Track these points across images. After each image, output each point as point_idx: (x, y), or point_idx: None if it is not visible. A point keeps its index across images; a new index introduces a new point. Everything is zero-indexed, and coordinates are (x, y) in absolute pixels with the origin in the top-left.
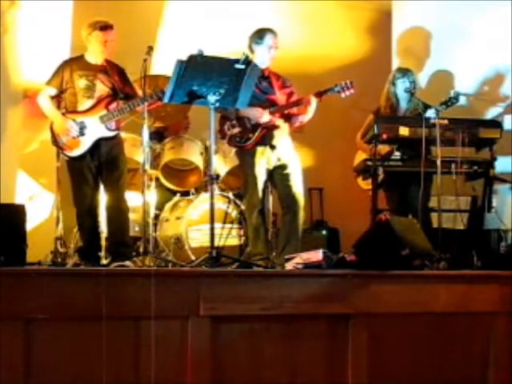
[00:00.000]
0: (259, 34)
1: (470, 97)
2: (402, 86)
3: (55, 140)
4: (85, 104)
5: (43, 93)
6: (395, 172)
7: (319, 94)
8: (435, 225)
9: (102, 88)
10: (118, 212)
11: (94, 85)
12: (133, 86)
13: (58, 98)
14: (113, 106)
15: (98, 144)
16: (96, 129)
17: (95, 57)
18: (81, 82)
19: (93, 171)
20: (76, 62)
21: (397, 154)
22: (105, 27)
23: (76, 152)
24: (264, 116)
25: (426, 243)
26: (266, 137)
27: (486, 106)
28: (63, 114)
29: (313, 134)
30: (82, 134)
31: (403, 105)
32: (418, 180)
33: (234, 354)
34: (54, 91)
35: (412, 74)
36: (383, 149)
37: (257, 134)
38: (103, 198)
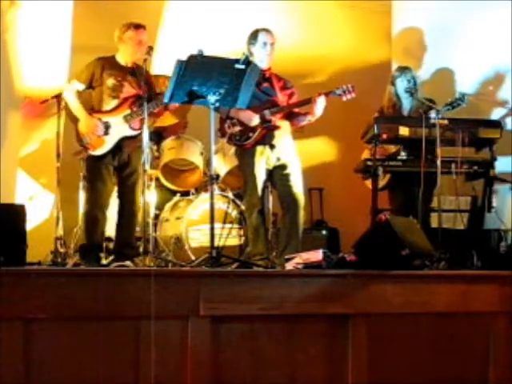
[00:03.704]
0: (253, 35)
1: (470, 97)
2: (401, 84)
3: (79, 138)
4: (110, 103)
5: (70, 87)
6: (399, 172)
7: (325, 94)
8: (433, 225)
9: (128, 90)
10: (130, 214)
11: (121, 86)
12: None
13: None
14: (136, 106)
15: (119, 145)
16: (120, 128)
17: (126, 58)
18: (109, 82)
19: (111, 171)
20: (107, 61)
21: (403, 154)
22: (138, 26)
23: (99, 151)
24: (254, 120)
25: (426, 243)
26: (267, 136)
27: (487, 106)
28: (89, 114)
29: (313, 134)
30: (106, 133)
31: (406, 103)
32: (419, 180)
33: (234, 354)
34: (81, 86)
35: (410, 72)
36: (389, 149)
37: (257, 133)
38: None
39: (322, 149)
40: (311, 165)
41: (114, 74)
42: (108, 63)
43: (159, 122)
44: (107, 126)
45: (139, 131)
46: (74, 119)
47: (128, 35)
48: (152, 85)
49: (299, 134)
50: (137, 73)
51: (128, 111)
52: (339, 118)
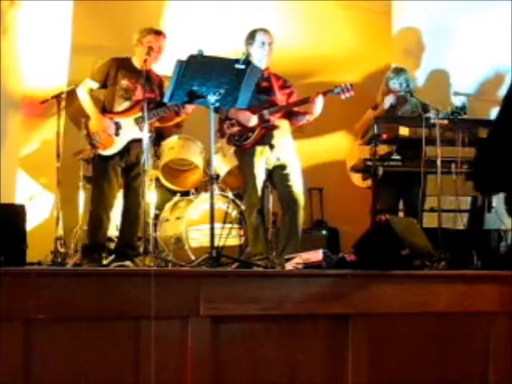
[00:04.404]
0: (251, 35)
1: (470, 97)
2: (394, 85)
3: (89, 137)
4: (122, 105)
5: (84, 85)
6: (390, 172)
7: (323, 94)
8: (426, 225)
9: (140, 93)
10: (135, 216)
11: (135, 88)
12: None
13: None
14: (148, 109)
15: (128, 147)
16: (130, 130)
17: (142, 62)
18: (123, 83)
19: (118, 172)
20: (123, 63)
21: (396, 155)
22: (159, 33)
23: (109, 151)
24: (252, 120)
25: (426, 243)
26: (266, 136)
27: (486, 106)
28: (101, 113)
29: (313, 134)
30: (116, 134)
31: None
32: (412, 180)
33: (233, 354)
34: (95, 85)
35: (405, 74)
36: (382, 149)
37: (256, 133)
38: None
39: (322, 149)
40: (311, 165)
41: (129, 76)
42: (123, 64)
43: (160, 122)
44: (118, 127)
45: (149, 134)
46: (75, 120)
47: (148, 40)
48: (163, 89)
49: (299, 133)
50: (151, 79)
51: (139, 114)
52: (339, 117)
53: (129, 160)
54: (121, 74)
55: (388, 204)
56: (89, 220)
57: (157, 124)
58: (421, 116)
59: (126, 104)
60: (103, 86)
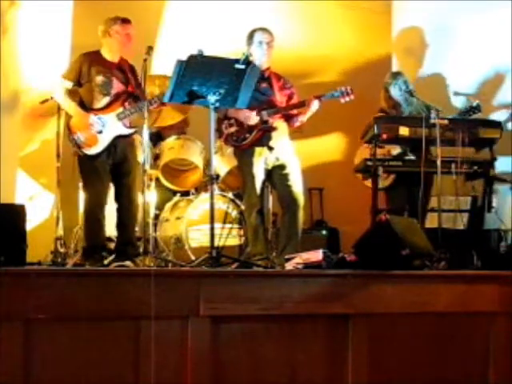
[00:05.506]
0: (249, 35)
1: (470, 97)
2: (395, 89)
3: (72, 137)
4: (101, 101)
5: (58, 86)
6: (402, 172)
7: (318, 98)
8: (428, 225)
9: (117, 86)
10: (130, 213)
11: (110, 81)
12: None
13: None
14: (129, 103)
15: (113, 143)
16: (114, 126)
17: (112, 53)
18: (98, 79)
19: (107, 170)
20: (94, 57)
21: (409, 155)
22: (125, 21)
23: (94, 150)
24: (252, 118)
25: (426, 243)
26: (264, 137)
27: (487, 106)
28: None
29: (312, 134)
30: (100, 131)
31: (404, 106)
32: (418, 180)
33: (233, 354)
34: (70, 84)
35: (402, 76)
36: (393, 149)
37: (253, 134)
38: (111, 198)
39: (322, 149)
40: (311, 165)
41: (103, 71)
42: (95, 59)
43: (160, 122)
44: (103, 124)
45: (132, 130)
46: None
47: (115, 29)
48: (139, 81)
49: (299, 134)
50: (124, 68)
51: (121, 109)
52: (339, 117)
53: (116, 157)
54: (94, 69)
55: (399, 204)
56: (86, 222)
57: (158, 124)
58: (421, 116)
59: (106, 100)
60: (77, 83)
